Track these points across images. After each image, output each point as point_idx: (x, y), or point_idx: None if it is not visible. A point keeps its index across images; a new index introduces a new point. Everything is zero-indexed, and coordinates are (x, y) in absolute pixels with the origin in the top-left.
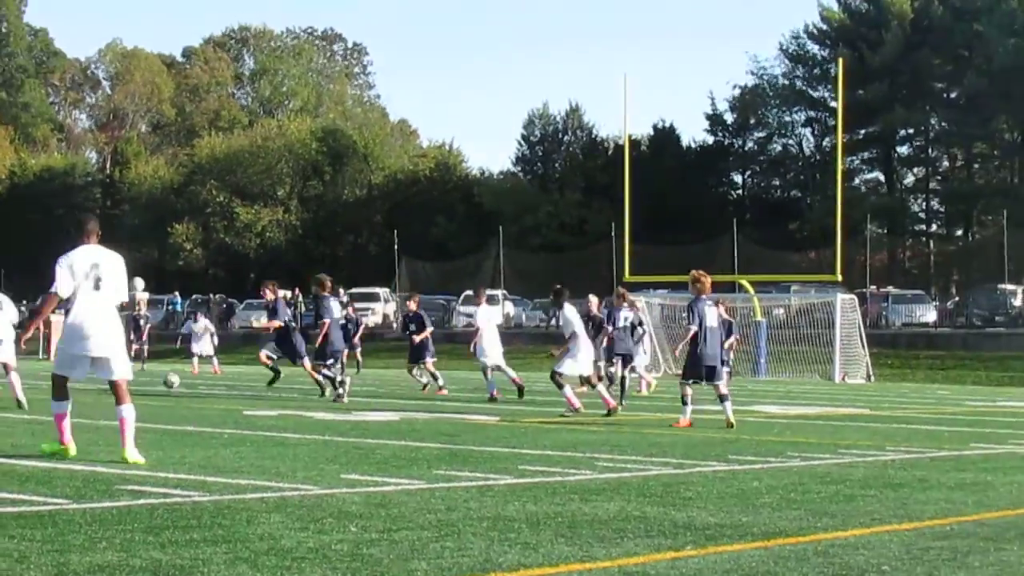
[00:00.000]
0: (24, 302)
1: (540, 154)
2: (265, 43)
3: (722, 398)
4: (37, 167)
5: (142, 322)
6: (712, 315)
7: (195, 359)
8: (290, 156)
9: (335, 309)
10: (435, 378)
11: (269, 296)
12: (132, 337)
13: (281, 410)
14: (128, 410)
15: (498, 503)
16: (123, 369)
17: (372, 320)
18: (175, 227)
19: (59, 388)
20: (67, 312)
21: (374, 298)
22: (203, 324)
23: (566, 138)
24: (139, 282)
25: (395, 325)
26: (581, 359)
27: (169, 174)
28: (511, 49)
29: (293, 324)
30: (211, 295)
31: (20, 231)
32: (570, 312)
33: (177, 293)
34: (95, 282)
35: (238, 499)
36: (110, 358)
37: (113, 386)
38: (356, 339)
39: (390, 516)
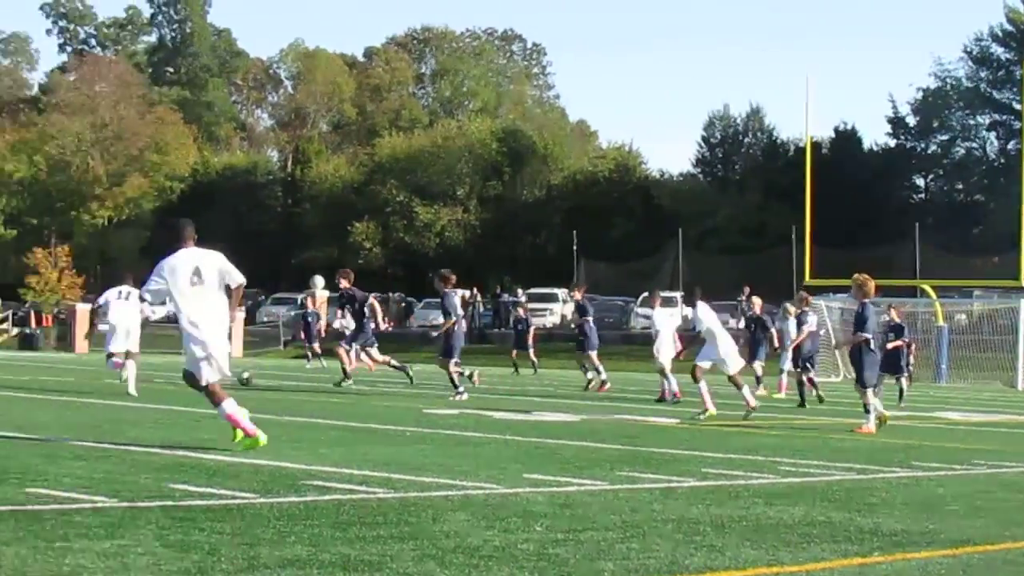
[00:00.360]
0: None
1: (720, 156)
2: (446, 44)
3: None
4: (220, 165)
5: (311, 319)
6: (875, 320)
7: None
8: (470, 156)
9: (459, 305)
10: (597, 372)
11: (344, 284)
12: (303, 335)
13: (461, 409)
14: (228, 404)
15: (682, 505)
16: (222, 368)
17: (550, 320)
18: (355, 226)
19: (207, 393)
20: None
21: (552, 299)
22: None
23: (746, 140)
24: (319, 280)
25: (573, 325)
26: (733, 355)
27: (350, 173)
28: (691, 50)
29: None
30: (389, 294)
31: (202, 229)
32: (702, 311)
33: None
34: (198, 283)
35: (423, 496)
36: (216, 357)
37: (203, 388)
38: (529, 340)
39: (575, 516)
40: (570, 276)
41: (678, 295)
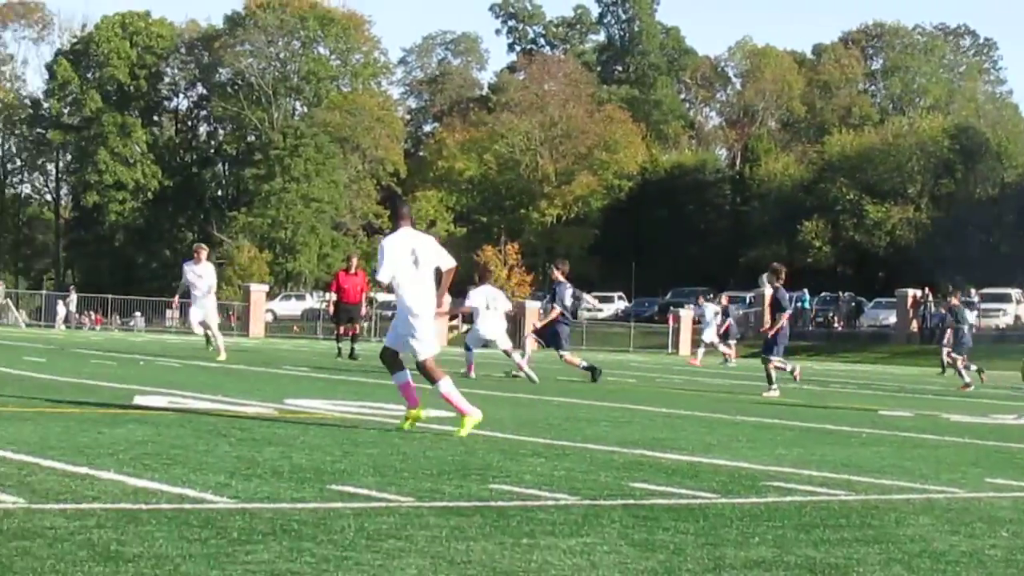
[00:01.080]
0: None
1: None
2: (897, 40)
3: None
4: (668, 163)
5: (708, 314)
6: None
7: (701, 350)
8: (921, 154)
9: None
10: (960, 374)
11: (557, 275)
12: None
13: (916, 410)
14: (445, 384)
15: None
16: (427, 348)
17: (1003, 321)
18: (804, 224)
19: (392, 363)
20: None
21: (1005, 299)
22: (711, 310)
23: None
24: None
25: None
26: None
27: (799, 171)
28: None
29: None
30: (839, 292)
31: (649, 226)
32: None
33: (806, 291)
34: (414, 262)
35: (884, 499)
36: (428, 337)
37: (419, 367)
38: (944, 340)
39: None
40: None
41: None
